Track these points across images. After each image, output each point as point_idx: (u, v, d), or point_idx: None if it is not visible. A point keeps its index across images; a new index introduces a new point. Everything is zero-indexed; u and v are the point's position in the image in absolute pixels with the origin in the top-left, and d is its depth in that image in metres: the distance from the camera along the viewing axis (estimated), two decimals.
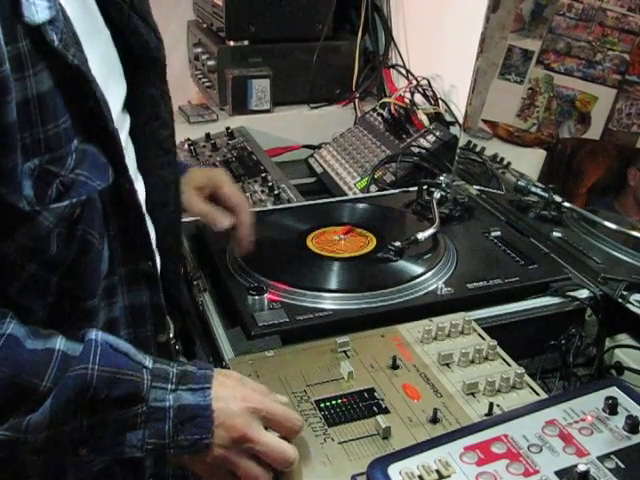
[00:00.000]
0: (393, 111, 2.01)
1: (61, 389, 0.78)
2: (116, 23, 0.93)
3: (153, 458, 1.00)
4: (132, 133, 0.98)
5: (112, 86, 0.88)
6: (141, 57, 0.97)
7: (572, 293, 1.22)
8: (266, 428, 0.86)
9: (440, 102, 2.04)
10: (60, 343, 0.81)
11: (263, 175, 1.87)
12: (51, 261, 0.82)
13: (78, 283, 0.87)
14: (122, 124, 0.94)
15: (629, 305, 1.21)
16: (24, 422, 0.78)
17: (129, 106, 0.98)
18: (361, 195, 1.78)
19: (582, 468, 0.74)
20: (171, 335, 1.07)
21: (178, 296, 1.12)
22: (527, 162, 1.62)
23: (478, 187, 1.66)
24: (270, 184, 1.81)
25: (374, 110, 2.13)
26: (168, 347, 1.05)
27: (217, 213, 1.25)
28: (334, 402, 0.95)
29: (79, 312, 0.88)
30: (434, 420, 0.92)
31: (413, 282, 1.22)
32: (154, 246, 0.99)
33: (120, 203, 0.91)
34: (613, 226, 1.37)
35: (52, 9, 0.75)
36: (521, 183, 1.52)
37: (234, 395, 0.86)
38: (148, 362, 0.85)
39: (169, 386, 0.84)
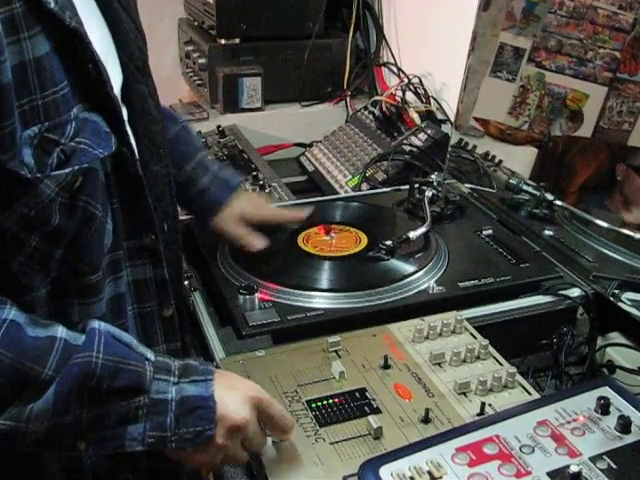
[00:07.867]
0: (384, 109, 2.00)
1: (65, 376, 0.77)
2: (101, 10, 0.92)
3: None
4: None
5: (109, 69, 0.87)
6: (122, 48, 0.96)
7: (564, 292, 1.22)
8: None
9: (431, 100, 2.04)
10: (61, 332, 0.80)
11: (254, 173, 1.86)
12: (53, 233, 0.82)
13: (81, 257, 0.86)
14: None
15: (621, 304, 1.21)
16: (26, 411, 0.77)
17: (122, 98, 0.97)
18: (352, 194, 1.77)
19: (574, 469, 0.74)
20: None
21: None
22: (519, 160, 1.62)
23: (470, 185, 1.66)
24: (261, 182, 1.80)
25: (365, 108, 2.12)
26: (173, 322, 1.04)
27: (252, 236, 1.30)
28: (325, 402, 0.95)
29: (83, 287, 0.88)
30: (426, 420, 0.91)
31: (405, 281, 1.21)
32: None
33: (122, 174, 0.90)
34: (605, 224, 1.37)
35: None
36: (513, 181, 1.52)
37: (234, 385, 0.87)
38: (150, 355, 0.85)
39: (172, 379, 0.84)
